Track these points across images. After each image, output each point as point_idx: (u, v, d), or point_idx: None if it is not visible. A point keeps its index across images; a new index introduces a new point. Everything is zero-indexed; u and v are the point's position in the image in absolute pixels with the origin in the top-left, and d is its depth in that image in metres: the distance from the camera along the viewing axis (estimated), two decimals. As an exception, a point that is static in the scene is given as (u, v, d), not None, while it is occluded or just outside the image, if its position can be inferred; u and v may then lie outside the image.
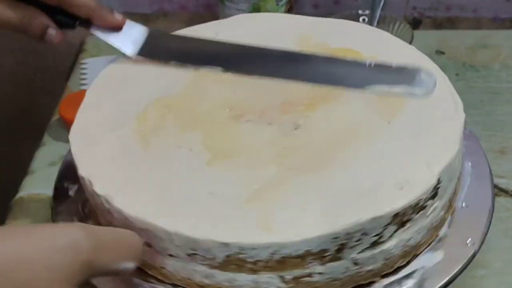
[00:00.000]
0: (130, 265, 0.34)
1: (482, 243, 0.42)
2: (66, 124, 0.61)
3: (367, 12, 0.70)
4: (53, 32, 0.46)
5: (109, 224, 0.40)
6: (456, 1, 0.80)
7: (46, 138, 0.64)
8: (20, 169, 0.61)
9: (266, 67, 0.47)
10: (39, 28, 0.46)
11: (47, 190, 0.50)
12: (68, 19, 0.47)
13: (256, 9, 0.71)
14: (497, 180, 0.55)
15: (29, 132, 0.68)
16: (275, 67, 0.47)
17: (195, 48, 0.49)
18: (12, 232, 0.31)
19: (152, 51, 0.48)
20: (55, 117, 0.66)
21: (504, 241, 0.52)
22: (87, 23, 0.47)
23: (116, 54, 0.48)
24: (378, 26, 0.68)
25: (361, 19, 0.70)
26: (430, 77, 0.44)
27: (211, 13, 0.80)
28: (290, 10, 0.74)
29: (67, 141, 0.43)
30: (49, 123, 0.66)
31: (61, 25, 0.47)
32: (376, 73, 0.45)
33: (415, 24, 0.81)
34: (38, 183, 0.59)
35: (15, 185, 0.59)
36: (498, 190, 0.56)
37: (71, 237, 0.31)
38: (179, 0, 0.82)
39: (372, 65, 0.45)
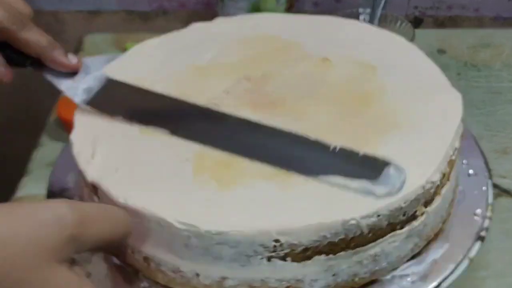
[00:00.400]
0: (116, 240, 0.34)
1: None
2: (64, 124, 0.61)
3: (368, 10, 0.69)
4: (1, 69, 0.42)
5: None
6: (458, 0, 0.79)
7: (44, 138, 0.64)
8: (17, 169, 0.61)
9: (218, 135, 0.42)
10: None
11: (45, 190, 0.50)
12: (19, 57, 0.43)
13: (255, 7, 0.70)
14: (499, 181, 0.55)
15: (26, 132, 0.68)
16: (229, 136, 0.42)
17: (146, 106, 0.45)
18: None
19: (102, 102, 0.44)
20: (53, 117, 0.66)
21: (506, 242, 0.52)
22: (39, 64, 0.44)
23: (115, 53, 0.48)
24: (379, 25, 0.67)
25: (362, 17, 0.69)
26: (399, 173, 0.38)
27: (210, 12, 0.80)
28: (290, 8, 0.73)
29: (65, 141, 0.43)
30: (47, 123, 0.66)
31: (11, 63, 0.43)
32: (337, 161, 0.39)
33: (417, 23, 0.81)
34: (36, 184, 0.58)
35: (13, 186, 0.59)
36: (500, 191, 0.56)
37: (56, 212, 0.31)
38: (178, -1, 0.82)
39: (337, 149, 0.40)
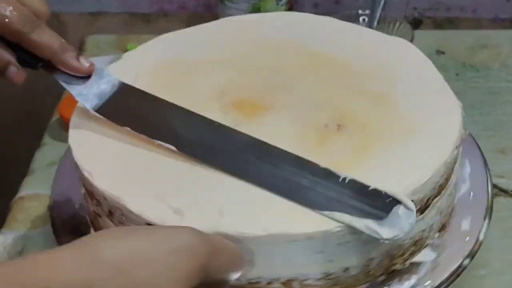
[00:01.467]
0: (235, 274, 0.35)
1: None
2: (66, 125, 0.61)
3: (367, 12, 0.70)
4: (13, 70, 0.41)
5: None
6: (456, 2, 0.80)
7: (46, 138, 0.64)
8: (20, 169, 0.61)
9: (224, 159, 0.40)
10: (0, 63, 0.41)
11: (47, 190, 0.50)
12: (31, 59, 0.41)
13: (256, 9, 0.71)
14: (497, 180, 0.56)
15: (29, 132, 0.68)
16: (234, 161, 0.40)
17: (156, 118, 0.43)
18: (132, 232, 0.31)
19: (112, 111, 0.43)
20: (55, 117, 0.66)
21: (504, 241, 0.52)
22: (51, 66, 0.42)
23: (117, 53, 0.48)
24: (378, 26, 0.68)
25: (361, 19, 0.70)
26: (408, 214, 0.35)
27: (211, 13, 0.80)
28: (290, 9, 0.74)
29: (67, 141, 0.43)
30: (49, 123, 0.66)
31: (23, 64, 0.42)
32: (344, 195, 0.37)
33: (416, 24, 0.81)
34: (38, 183, 0.59)
35: (15, 185, 0.59)
36: (498, 190, 0.56)
37: (188, 241, 0.31)
38: (179, 0, 0.82)
39: (346, 180, 0.38)
